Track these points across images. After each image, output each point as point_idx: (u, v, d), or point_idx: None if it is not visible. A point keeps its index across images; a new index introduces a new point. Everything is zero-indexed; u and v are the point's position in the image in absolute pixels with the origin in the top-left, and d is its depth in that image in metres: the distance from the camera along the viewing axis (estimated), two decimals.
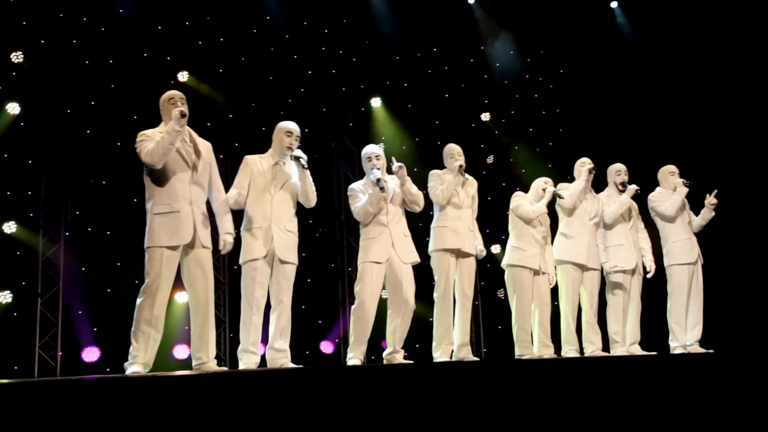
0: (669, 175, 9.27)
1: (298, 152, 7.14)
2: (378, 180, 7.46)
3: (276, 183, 7.11)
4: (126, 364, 6.19)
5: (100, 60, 11.84)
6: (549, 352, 8.56)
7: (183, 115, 6.38)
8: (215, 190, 6.76)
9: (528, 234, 8.59)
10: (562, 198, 8.72)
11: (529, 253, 8.53)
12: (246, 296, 6.98)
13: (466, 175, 8.32)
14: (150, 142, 6.34)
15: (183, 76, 12.11)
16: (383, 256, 7.55)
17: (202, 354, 6.44)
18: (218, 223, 6.77)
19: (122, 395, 4.58)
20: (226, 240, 6.74)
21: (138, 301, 6.27)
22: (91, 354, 10.98)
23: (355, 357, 7.44)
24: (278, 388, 5.14)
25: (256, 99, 12.69)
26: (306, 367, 6.79)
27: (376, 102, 13.53)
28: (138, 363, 6.14)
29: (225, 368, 6.75)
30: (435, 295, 8.09)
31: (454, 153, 8.33)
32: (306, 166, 7.12)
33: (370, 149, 7.79)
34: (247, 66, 12.71)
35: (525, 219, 8.59)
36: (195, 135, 6.69)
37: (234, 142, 12.02)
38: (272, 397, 5.03)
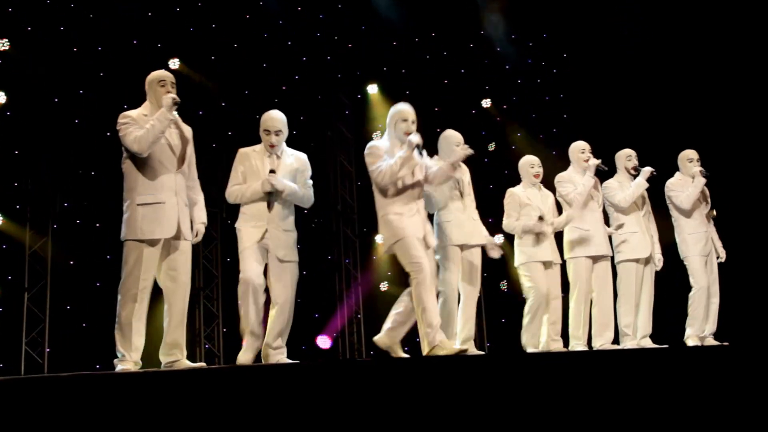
0: (687, 161, 9.14)
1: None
2: (418, 145, 6.78)
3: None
4: (115, 361, 6.06)
5: (88, 47, 11.68)
6: (557, 346, 8.40)
7: (176, 104, 6.22)
8: (191, 178, 6.54)
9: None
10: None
11: (540, 247, 8.34)
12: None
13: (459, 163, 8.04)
14: (135, 128, 6.14)
15: (174, 64, 11.91)
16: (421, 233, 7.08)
17: (176, 350, 6.21)
18: (192, 212, 6.51)
19: (113, 392, 4.48)
20: (199, 230, 6.55)
21: (118, 297, 6.15)
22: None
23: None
24: (275, 384, 5.03)
25: (250, 87, 12.60)
26: (304, 363, 6.72)
27: (372, 89, 13.41)
28: (127, 362, 6.00)
29: (202, 364, 6.61)
30: (440, 288, 7.66)
31: (460, 141, 7.79)
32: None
33: (405, 108, 7.01)
34: (240, 53, 12.59)
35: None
36: (179, 120, 6.50)
37: (227, 130, 11.98)
38: (269, 394, 4.92)
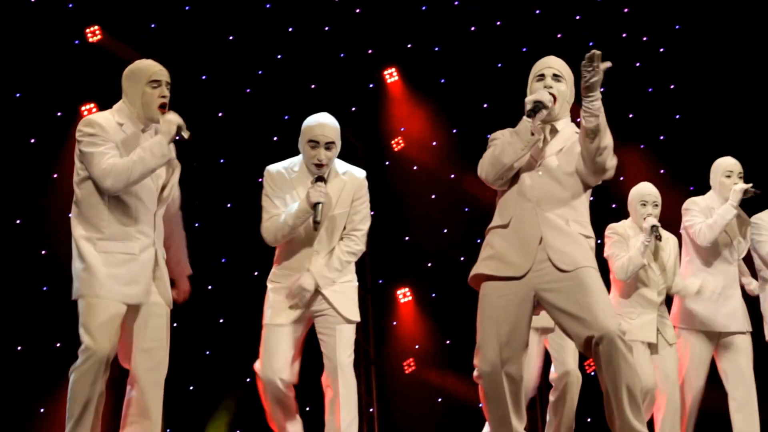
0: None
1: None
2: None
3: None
4: None
5: None
6: None
7: (181, 134, 5.62)
8: (174, 206, 6.11)
9: (636, 295, 7.84)
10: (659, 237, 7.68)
11: (638, 322, 7.70)
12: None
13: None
14: (109, 149, 5.54)
15: (93, 34, 11.13)
16: None
17: None
18: (173, 256, 6.15)
19: None
20: (184, 288, 6.19)
21: (72, 377, 5.51)
22: None
23: None
24: None
25: (207, 70, 11.67)
26: None
27: (391, 75, 12.53)
28: None
29: None
30: None
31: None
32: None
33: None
34: (192, 20, 11.63)
35: (619, 277, 7.75)
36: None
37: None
38: None
